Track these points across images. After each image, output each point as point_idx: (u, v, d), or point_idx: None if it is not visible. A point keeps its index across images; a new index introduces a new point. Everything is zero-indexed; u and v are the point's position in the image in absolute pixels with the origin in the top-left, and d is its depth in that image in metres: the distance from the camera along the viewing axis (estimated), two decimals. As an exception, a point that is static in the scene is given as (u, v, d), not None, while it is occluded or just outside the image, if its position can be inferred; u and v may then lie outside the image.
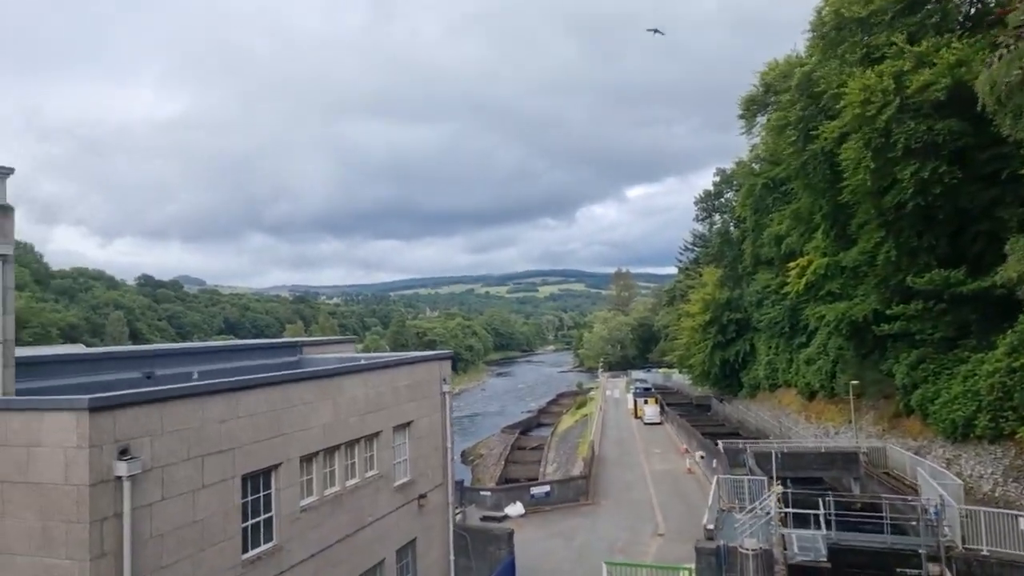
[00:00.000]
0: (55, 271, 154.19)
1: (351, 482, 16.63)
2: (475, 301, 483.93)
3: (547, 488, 36.27)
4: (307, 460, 15.09)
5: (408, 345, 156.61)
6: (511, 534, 21.51)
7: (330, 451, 15.94)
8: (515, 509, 33.83)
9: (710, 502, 25.17)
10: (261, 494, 13.77)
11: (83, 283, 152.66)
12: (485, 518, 31.17)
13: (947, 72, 30.85)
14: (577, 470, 46.44)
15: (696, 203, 77.03)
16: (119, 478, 10.48)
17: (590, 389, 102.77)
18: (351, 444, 16.69)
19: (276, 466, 14.05)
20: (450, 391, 21.63)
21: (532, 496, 35.19)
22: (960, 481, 27.24)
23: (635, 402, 68.88)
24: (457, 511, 25.72)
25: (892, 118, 31.99)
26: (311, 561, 14.86)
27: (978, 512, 24.12)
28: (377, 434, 17.70)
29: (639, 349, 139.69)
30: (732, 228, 70.70)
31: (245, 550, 13.14)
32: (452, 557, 21.03)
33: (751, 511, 22.91)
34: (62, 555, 10.19)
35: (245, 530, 13.20)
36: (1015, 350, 29.45)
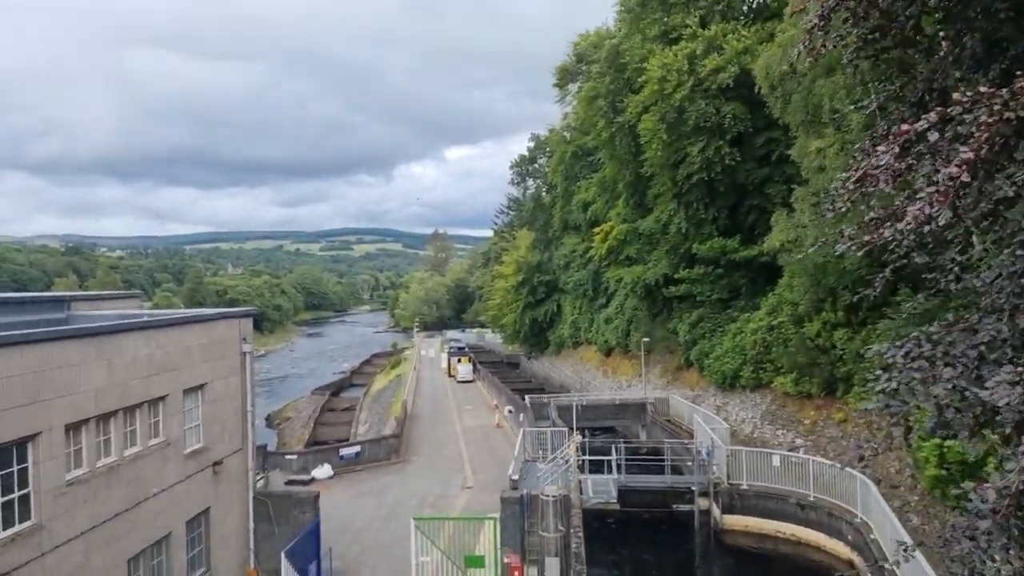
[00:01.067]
0: None
1: (131, 451, 14.95)
2: (284, 258, 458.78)
3: (357, 448, 35.73)
4: (75, 428, 13.27)
5: (206, 303, 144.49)
6: (316, 496, 20.83)
7: (105, 418, 14.14)
8: (323, 471, 32.93)
9: (515, 453, 26.39)
10: (15, 468, 11.86)
11: None
12: (290, 482, 29.93)
13: (734, 59, 34.34)
14: (389, 429, 46.35)
15: (511, 167, 79.07)
16: None
17: (405, 349, 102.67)
18: (131, 410, 14.96)
19: (33, 436, 12.16)
20: (251, 351, 20.21)
21: (341, 457, 34.46)
22: (727, 425, 31.30)
23: (449, 361, 69.99)
24: (259, 477, 24.38)
25: (686, 97, 35.06)
26: (80, 540, 13.18)
27: (740, 452, 27.92)
28: (163, 398, 16.04)
29: (455, 310, 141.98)
30: (544, 193, 73.69)
31: (-7, 533, 11.29)
32: (252, 524, 19.92)
33: (552, 460, 24.39)
34: None
35: (-8, 511, 11.31)
36: (774, 310, 34.19)
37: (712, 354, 38.84)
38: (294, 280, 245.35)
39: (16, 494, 11.88)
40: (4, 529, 11.58)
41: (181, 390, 16.71)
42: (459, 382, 64.10)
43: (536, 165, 76.10)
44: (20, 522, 11.93)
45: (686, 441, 31.61)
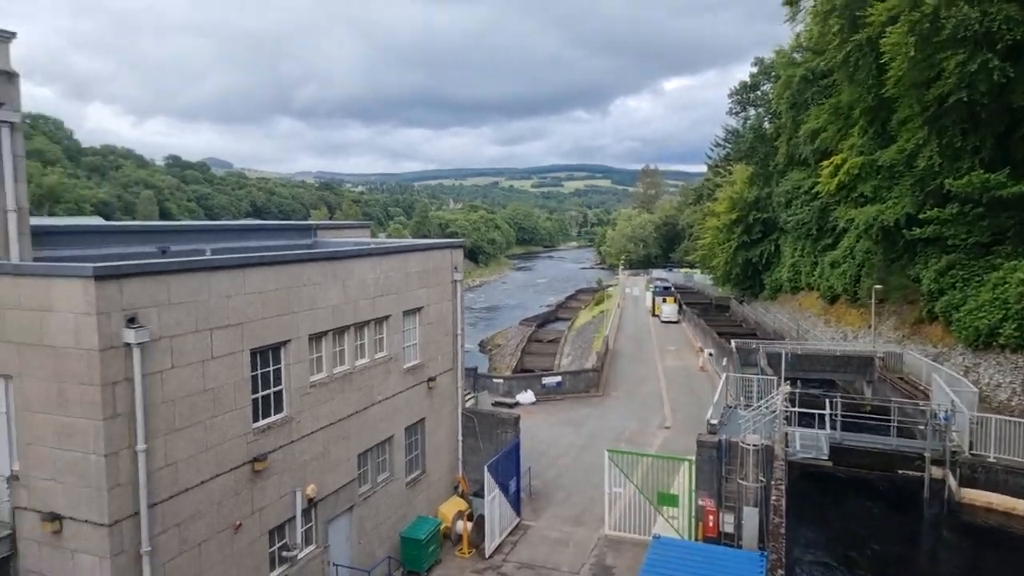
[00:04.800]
0: (85, 148, 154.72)
1: (360, 362, 16.98)
2: (499, 194, 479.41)
3: (558, 378, 37.09)
4: (316, 339, 15.35)
5: (430, 235, 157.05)
6: (518, 418, 22.12)
7: (339, 331, 16.16)
8: (526, 397, 34.81)
9: (716, 398, 25.54)
10: (271, 368, 14.11)
11: (112, 161, 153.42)
12: (497, 403, 32.14)
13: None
14: (590, 363, 47.41)
15: (730, 96, 72.84)
16: (128, 345, 10.71)
17: (609, 286, 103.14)
18: (360, 326, 16.90)
19: (285, 342, 14.31)
20: (461, 279, 21.62)
21: (543, 386, 36.08)
22: (976, 389, 27.22)
23: (654, 300, 69.05)
24: (469, 396, 26.46)
25: (944, 2, 29.34)
26: (321, 433, 15.44)
27: (989, 419, 24.24)
28: (387, 317, 17.88)
29: (662, 248, 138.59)
30: (766, 123, 67.50)
31: (256, 419, 13.64)
32: (460, 437, 21.81)
33: (756, 408, 23.21)
34: (77, 414, 10.61)
35: (255, 401, 13.63)
36: (1050, 260, 28.48)
37: (964, 307, 33.61)
38: (507, 215, 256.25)
39: (272, 389, 14.17)
40: (263, 418, 13.92)
41: (401, 311, 18.48)
42: (663, 322, 63.14)
43: (759, 93, 69.52)
44: (275, 413, 14.26)
45: (920, 402, 28.17)
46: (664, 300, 66.40)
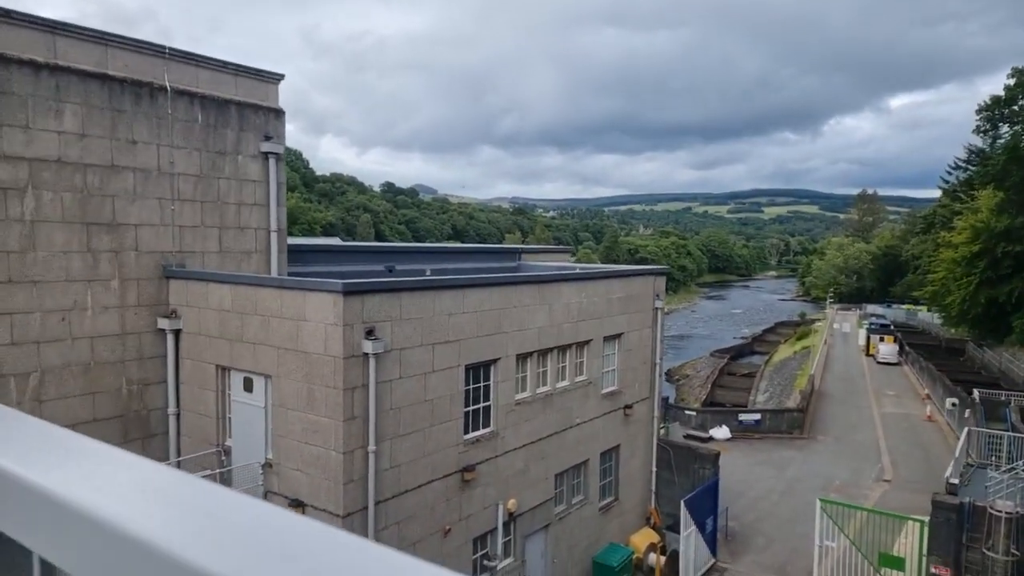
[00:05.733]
0: (318, 176, 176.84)
1: (561, 384, 17.29)
2: (691, 220, 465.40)
3: (757, 416, 34.86)
4: (522, 358, 15.91)
5: (619, 260, 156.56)
6: (717, 455, 21.09)
7: (543, 353, 16.61)
8: (721, 432, 33.12)
9: (956, 454, 22.33)
10: (481, 384, 14.87)
11: (339, 187, 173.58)
12: (688, 436, 30.93)
13: None
14: (793, 402, 43.91)
15: (978, 112, 63.51)
16: (366, 355, 11.92)
17: (815, 320, 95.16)
18: (563, 348, 17.24)
19: (495, 360, 15.02)
20: (663, 307, 21.22)
21: (740, 422, 34.11)
22: None
23: (868, 338, 62.47)
24: (661, 426, 25.79)
25: None
26: (523, 450, 15.92)
27: None
28: (588, 342, 18.04)
29: (879, 281, 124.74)
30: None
31: (467, 431, 14.43)
32: (654, 468, 21.27)
33: (1010, 470, 19.91)
34: (322, 413, 11.98)
35: (467, 414, 14.44)
36: None
37: None
38: (700, 242, 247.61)
39: (481, 404, 14.91)
40: (473, 431, 14.68)
41: (602, 336, 18.56)
42: (879, 363, 56.83)
43: (1015, 107, 59.99)
44: (483, 427, 14.98)
45: None
46: (882, 339, 59.81)
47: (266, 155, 15.37)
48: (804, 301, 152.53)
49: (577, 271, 18.72)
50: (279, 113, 15.73)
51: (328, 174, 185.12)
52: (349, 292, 11.65)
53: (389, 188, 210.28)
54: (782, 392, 53.10)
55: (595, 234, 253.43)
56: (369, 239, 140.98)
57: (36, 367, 12.19)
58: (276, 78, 15.61)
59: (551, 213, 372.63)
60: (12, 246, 11.56)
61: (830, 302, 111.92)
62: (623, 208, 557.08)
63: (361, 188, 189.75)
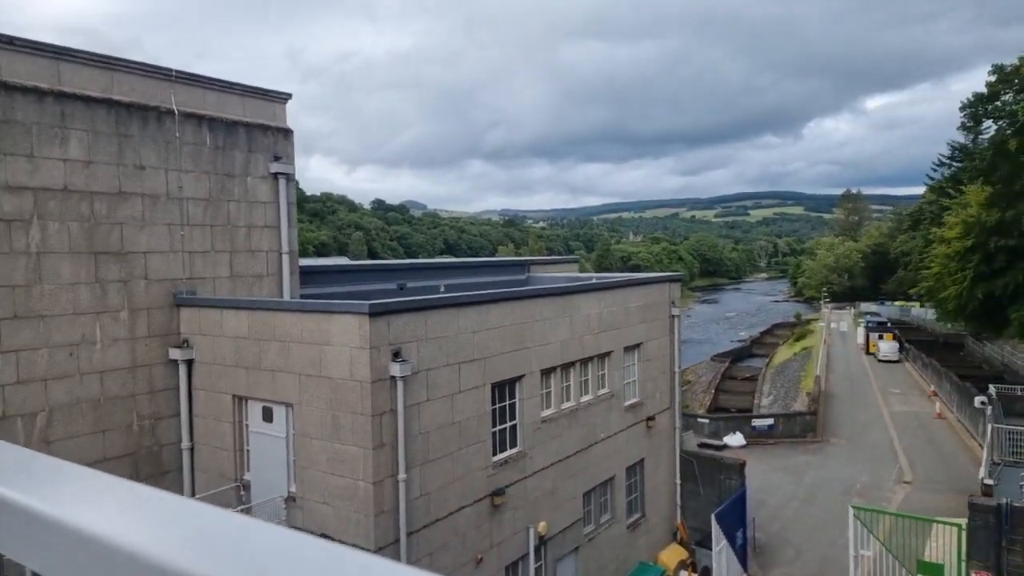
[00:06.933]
0: (308, 195, 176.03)
1: (585, 398, 16.82)
2: (680, 225, 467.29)
3: (770, 421, 34.45)
4: (546, 374, 15.43)
5: (612, 269, 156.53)
6: (743, 464, 20.66)
7: (566, 367, 16.14)
8: (735, 439, 32.70)
9: (984, 454, 22.00)
10: (507, 403, 14.37)
11: (330, 207, 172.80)
12: (703, 444, 30.44)
13: None
14: (800, 405, 43.58)
15: (962, 109, 64.14)
16: (393, 378, 11.40)
17: (810, 320, 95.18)
18: (585, 361, 16.78)
19: (520, 377, 14.52)
20: (679, 314, 20.84)
21: (754, 428, 33.70)
22: None
23: (867, 336, 62.36)
24: (679, 435, 25.31)
25: None
26: (551, 469, 15.41)
27: None
28: (609, 353, 17.60)
29: (870, 279, 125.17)
30: (1009, 138, 58.58)
31: (495, 453, 13.91)
32: (678, 481, 20.79)
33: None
34: (349, 442, 11.44)
35: (494, 434, 13.92)
36: None
37: None
38: (690, 246, 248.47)
39: (508, 424, 14.41)
40: (501, 452, 14.16)
41: (622, 347, 18.12)
42: (880, 361, 56.69)
43: (998, 103, 60.72)
44: (511, 447, 14.46)
45: None
46: (880, 336, 59.70)
47: (276, 175, 14.90)
48: (797, 301, 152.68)
49: (594, 281, 18.29)
50: (287, 133, 15.27)
51: (319, 193, 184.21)
52: (375, 313, 11.15)
53: (380, 205, 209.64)
54: (786, 395, 52.75)
55: (586, 243, 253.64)
56: (362, 257, 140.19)
57: (43, 406, 11.59)
58: (284, 97, 15.18)
59: (541, 224, 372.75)
60: (18, 280, 11.00)
61: (824, 301, 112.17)
62: (612, 216, 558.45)
63: (352, 206, 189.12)
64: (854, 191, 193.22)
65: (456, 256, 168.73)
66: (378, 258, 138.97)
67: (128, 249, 12.44)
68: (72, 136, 11.52)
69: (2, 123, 10.66)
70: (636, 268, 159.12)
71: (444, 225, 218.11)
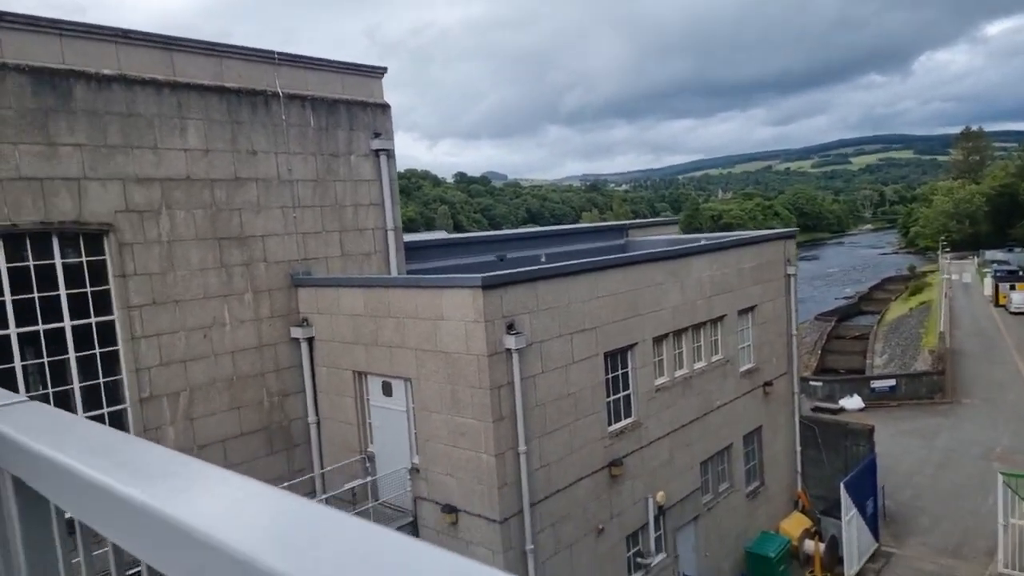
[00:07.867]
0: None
1: (698, 365, 16.18)
2: (773, 179, 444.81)
3: (892, 382, 32.40)
4: (658, 341, 14.91)
5: (702, 229, 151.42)
6: (871, 430, 19.44)
7: (679, 333, 15.55)
8: (852, 402, 31.00)
9: None
10: (620, 372, 13.99)
11: (415, 183, 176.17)
12: (816, 409, 29.04)
13: None
14: (922, 364, 40.76)
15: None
16: (508, 351, 11.25)
17: (927, 273, 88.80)
18: (697, 327, 16.10)
19: (632, 345, 14.09)
20: (795, 273, 19.65)
21: (873, 390, 31.81)
22: None
23: (996, 287, 57.38)
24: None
25: None
26: (666, 439, 14.97)
27: None
28: (722, 318, 16.81)
29: (995, 224, 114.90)
30: None
31: (610, 423, 13.61)
32: (798, 448, 19.83)
33: None
34: (469, 415, 11.43)
35: (608, 405, 13.61)
36: None
37: None
38: (786, 201, 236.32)
39: (622, 393, 14.04)
40: (616, 422, 13.85)
41: (736, 311, 17.27)
42: (1012, 313, 52.09)
43: None
44: (625, 418, 14.11)
45: None
46: (1012, 287, 54.75)
47: (377, 152, 14.96)
48: (909, 253, 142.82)
49: (704, 243, 17.45)
50: (385, 108, 15.27)
51: (403, 170, 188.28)
52: (488, 286, 10.99)
53: (462, 178, 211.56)
54: (903, 353, 49.50)
55: (672, 204, 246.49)
56: (449, 230, 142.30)
57: (185, 386, 12.24)
58: (379, 72, 15.14)
59: (624, 187, 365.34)
60: (153, 268, 11.57)
61: (943, 251, 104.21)
62: (698, 174, 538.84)
63: (436, 181, 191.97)
64: (974, 128, 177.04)
65: (539, 225, 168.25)
66: (463, 231, 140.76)
67: (247, 233, 12.84)
68: (190, 125, 11.92)
69: (128, 117, 11.13)
70: (728, 227, 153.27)
71: (526, 194, 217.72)
